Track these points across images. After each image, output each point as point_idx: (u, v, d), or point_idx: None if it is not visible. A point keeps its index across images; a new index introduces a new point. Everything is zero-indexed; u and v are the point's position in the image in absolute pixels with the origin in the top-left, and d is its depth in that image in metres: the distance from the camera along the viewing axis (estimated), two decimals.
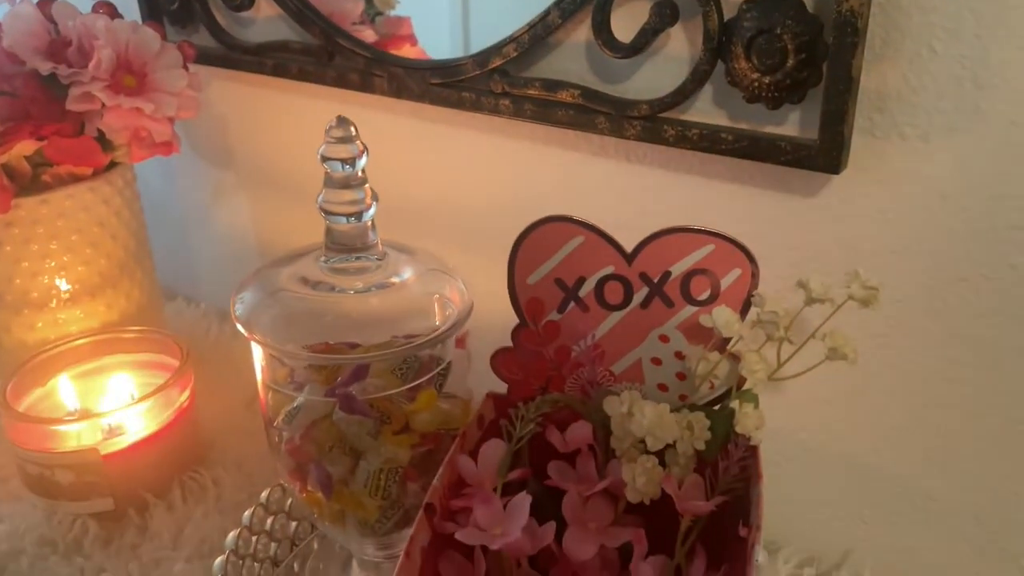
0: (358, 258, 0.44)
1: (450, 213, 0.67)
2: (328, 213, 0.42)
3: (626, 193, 0.56)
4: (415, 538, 0.38)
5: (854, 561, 0.55)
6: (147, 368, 0.65)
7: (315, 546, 0.56)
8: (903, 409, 0.51)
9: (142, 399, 0.58)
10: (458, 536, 0.38)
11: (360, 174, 0.42)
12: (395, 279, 0.44)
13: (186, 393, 0.61)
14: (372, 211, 0.43)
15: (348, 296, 0.43)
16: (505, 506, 0.40)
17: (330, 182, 0.42)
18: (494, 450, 0.43)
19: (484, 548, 0.40)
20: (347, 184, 0.42)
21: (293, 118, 0.75)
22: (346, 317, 0.44)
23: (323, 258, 0.44)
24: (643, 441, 0.42)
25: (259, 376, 0.45)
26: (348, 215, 0.42)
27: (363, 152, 0.41)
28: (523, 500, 0.39)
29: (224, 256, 0.90)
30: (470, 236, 0.65)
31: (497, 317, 0.50)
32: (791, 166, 0.46)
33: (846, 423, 0.53)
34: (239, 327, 0.43)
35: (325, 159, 0.41)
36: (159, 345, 0.65)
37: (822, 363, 0.41)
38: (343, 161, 0.41)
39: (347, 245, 0.43)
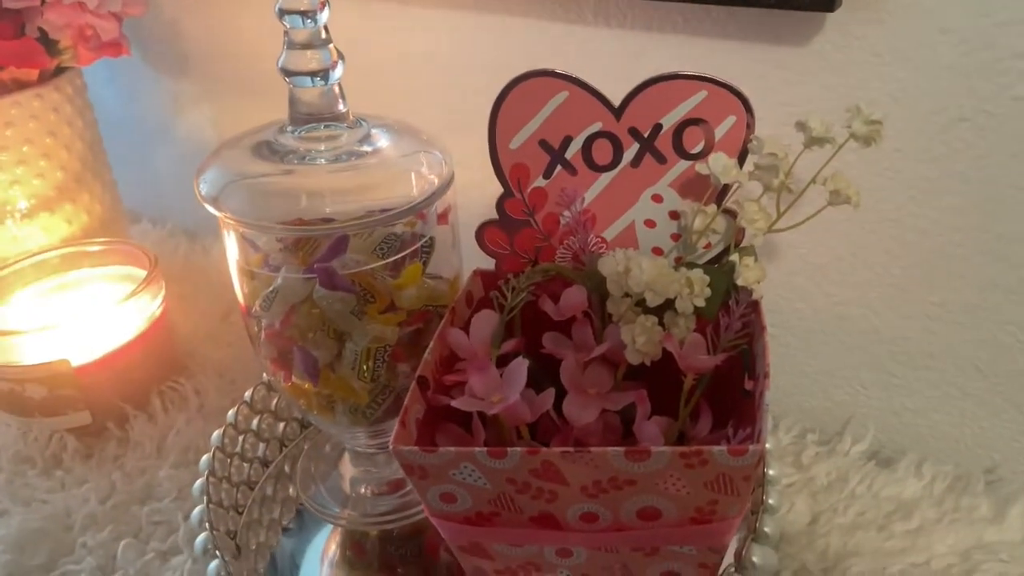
0: (327, 127, 0.41)
1: (419, 97, 0.63)
2: (291, 74, 0.39)
3: (609, 61, 0.53)
4: (409, 408, 0.36)
5: (855, 427, 0.54)
6: (116, 281, 0.62)
7: (304, 447, 0.54)
8: (901, 266, 0.49)
9: (113, 306, 0.55)
10: (455, 403, 0.36)
11: (324, 32, 0.39)
12: (369, 148, 0.41)
13: (158, 300, 0.59)
14: (339, 71, 0.39)
15: (319, 167, 0.40)
16: (501, 375, 0.38)
17: (291, 43, 0.39)
18: (486, 321, 0.41)
19: (482, 418, 0.39)
20: (310, 43, 0.39)
21: (253, 16, 0.70)
22: (318, 191, 0.41)
23: (289, 128, 0.41)
24: (639, 304, 0.40)
25: (231, 261, 0.43)
26: (314, 74, 0.39)
27: (325, 3, 0.38)
28: (520, 364, 0.37)
29: (188, 173, 0.86)
30: (444, 118, 0.62)
31: (480, 197, 0.47)
32: (782, 7, 0.44)
33: (842, 287, 0.52)
34: (207, 206, 0.40)
35: (284, 13, 0.38)
36: (126, 256, 0.62)
37: (824, 209, 0.40)
38: (303, 15, 0.38)
39: (314, 113, 0.40)
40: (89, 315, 0.55)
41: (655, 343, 0.39)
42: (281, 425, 0.53)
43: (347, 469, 0.51)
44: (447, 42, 0.60)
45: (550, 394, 0.38)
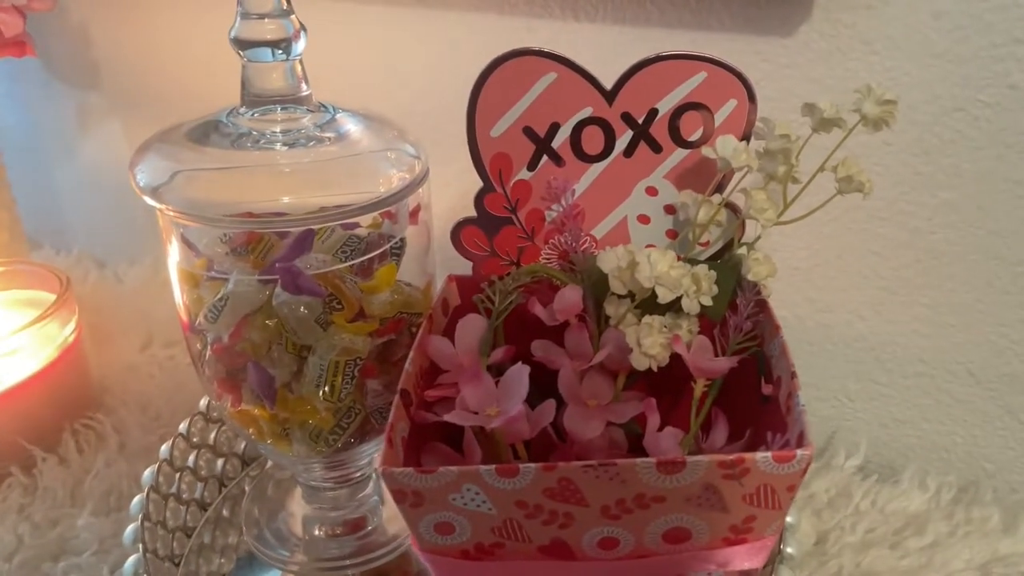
0: (285, 109, 0.36)
1: (382, 97, 0.58)
2: (246, 46, 0.34)
3: (578, 58, 0.50)
4: (395, 426, 0.31)
5: (843, 442, 0.52)
6: (20, 306, 0.54)
7: (245, 487, 0.47)
8: (890, 267, 0.47)
9: (15, 332, 0.48)
10: (448, 417, 0.31)
11: (285, 2, 0.34)
12: (333, 134, 0.36)
13: (71, 326, 0.51)
14: (302, 44, 0.35)
15: (275, 155, 0.35)
16: (497, 384, 0.33)
17: (245, 13, 0.34)
18: (473, 326, 0.36)
19: (476, 435, 0.34)
20: (269, 12, 0.34)
21: (172, 23, 0.64)
22: (274, 183, 0.36)
23: (242, 110, 0.36)
24: (639, 307, 0.36)
25: (172, 266, 0.37)
26: (274, 45, 0.34)
27: None
28: (521, 371, 0.33)
29: (96, 196, 0.78)
30: (407, 119, 0.57)
31: (452, 200, 0.43)
32: None
33: (827, 292, 0.49)
34: (146, 199, 0.34)
35: None
36: (32, 278, 0.55)
37: (834, 198, 0.37)
38: None
39: (272, 93, 0.35)
40: None
41: (664, 345, 0.35)
42: (220, 462, 0.47)
43: (298, 507, 0.45)
44: (408, 40, 0.55)
45: (551, 406, 0.34)
